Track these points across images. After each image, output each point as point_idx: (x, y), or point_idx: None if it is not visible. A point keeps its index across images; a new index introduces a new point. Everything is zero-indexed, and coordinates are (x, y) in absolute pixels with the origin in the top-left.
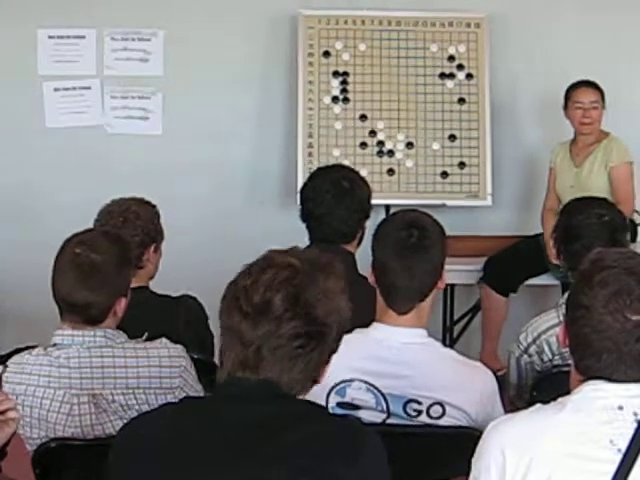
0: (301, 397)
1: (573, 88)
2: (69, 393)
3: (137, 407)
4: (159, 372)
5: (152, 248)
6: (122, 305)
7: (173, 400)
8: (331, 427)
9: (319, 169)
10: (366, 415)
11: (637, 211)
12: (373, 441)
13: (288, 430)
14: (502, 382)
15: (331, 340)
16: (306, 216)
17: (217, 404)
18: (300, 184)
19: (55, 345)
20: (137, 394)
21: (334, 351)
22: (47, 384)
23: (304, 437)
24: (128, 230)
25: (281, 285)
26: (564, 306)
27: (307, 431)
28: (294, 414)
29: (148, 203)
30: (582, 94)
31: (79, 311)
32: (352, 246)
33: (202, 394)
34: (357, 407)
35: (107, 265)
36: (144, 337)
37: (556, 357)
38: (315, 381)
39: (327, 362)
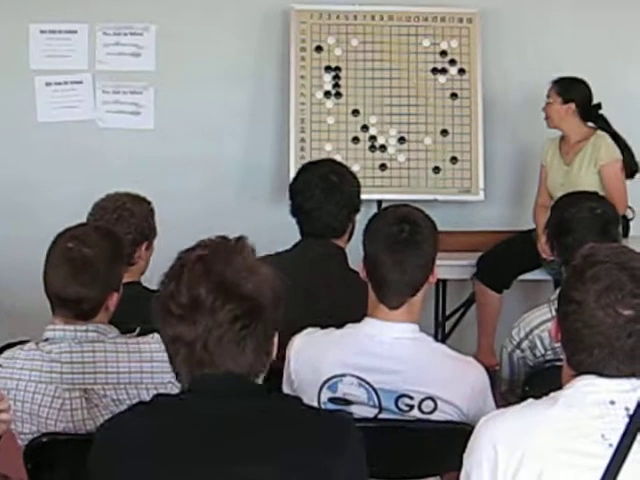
0: (263, 375)
1: None
2: (60, 388)
3: (129, 402)
4: (151, 367)
5: (144, 246)
6: (114, 300)
7: None
8: (310, 420)
9: (308, 163)
10: (358, 410)
11: (630, 207)
12: (355, 432)
13: (266, 426)
14: (495, 377)
15: (270, 311)
16: (296, 211)
17: (192, 401)
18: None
19: (47, 340)
20: (129, 389)
21: (278, 322)
22: (39, 379)
23: (283, 432)
24: (121, 228)
25: (201, 278)
26: (556, 301)
27: (285, 426)
28: (269, 409)
29: (143, 199)
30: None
31: (71, 306)
32: (342, 241)
33: None
34: (349, 402)
35: (99, 260)
36: (136, 332)
37: (548, 352)
38: (269, 355)
39: (274, 334)
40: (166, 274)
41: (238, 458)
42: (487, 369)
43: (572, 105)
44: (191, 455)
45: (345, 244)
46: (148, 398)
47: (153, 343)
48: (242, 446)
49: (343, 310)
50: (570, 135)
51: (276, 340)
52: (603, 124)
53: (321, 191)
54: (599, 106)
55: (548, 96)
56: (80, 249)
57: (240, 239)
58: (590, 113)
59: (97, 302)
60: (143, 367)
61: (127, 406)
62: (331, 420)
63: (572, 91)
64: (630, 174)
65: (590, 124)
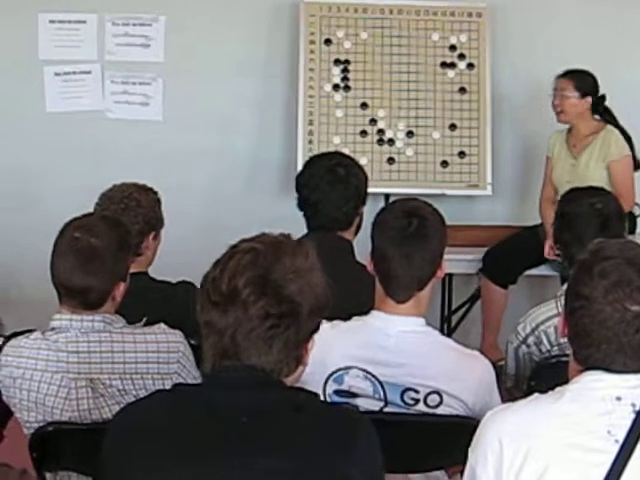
0: (289, 379)
1: (555, 77)
2: (67, 377)
3: (134, 392)
4: (157, 357)
5: (151, 236)
6: (121, 290)
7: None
8: (325, 416)
9: (315, 156)
10: (363, 403)
11: (637, 203)
12: (366, 428)
13: (283, 419)
14: (500, 372)
15: (305, 317)
16: (302, 204)
17: (209, 392)
18: None
19: (53, 329)
20: (134, 379)
21: (314, 330)
22: (45, 368)
23: (299, 427)
24: (128, 217)
25: (245, 269)
26: (563, 297)
27: (302, 421)
28: (286, 403)
29: (150, 189)
30: (555, 82)
31: (77, 295)
32: (349, 233)
33: (199, 380)
34: (354, 395)
35: (106, 250)
36: (143, 322)
37: (554, 348)
38: (299, 362)
39: (307, 341)
40: (217, 259)
41: (252, 450)
42: (492, 363)
43: (589, 99)
44: (206, 445)
45: (352, 237)
46: (154, 388)
47: (159, 333)
48: (257, 438)
49: (350, 303)
50: (580, 129)
51: (310, 348)
52: (608, 116)
53: (327, 183)
54: (604, 98)
55: (558, 89)
56: (87, 239)
57: (299, 239)
58: (598, 105)
59: (104, 292)
60: (149, 357)
61: (133, 396)
62: (345, 416)
63: (588, 84)
64: (636, 166)
65: (596, 117)
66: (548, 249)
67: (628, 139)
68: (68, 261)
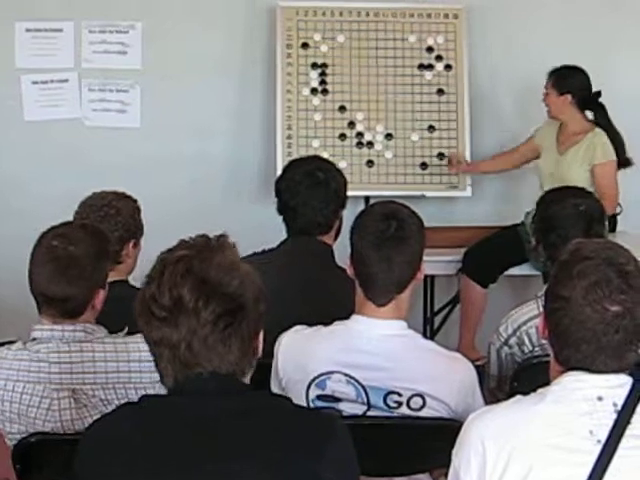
0: (250, 374)
1: None
2: (49, 388)
3: (117, 402)
4: (139, 367)
5: (132, 243)
6: (100, 298)
7: None
8: (297, 419)
9: (293, 160)
10: (347, 407)
11: (618, 202)
12: (339, 430)
13: (254, 424)
14: (481, 373)
15: (252, 307)
16: (282, 208)
17: (176, 402)
18: None
19: (34, 339)
20: (117, 389)
21: (261, 318)
22: (27, 379)
23: (271, 430)
24: (108, 225)
25: (183, 278)
26: (544, 297)
27: (273, 424)
28: (256, 407)
29: (129, 197)
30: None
31: (57, 304)
32: (329, 237)
33: None
34: (337, 399)
35: (84, 258)
36: (124, 331)
37: (536, 348)
38: (256, 354)
39: (259, 331)
40: (148, 275)
41: (224, 456)
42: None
43: (568, 97)
44: (176, 455)
45: (332, 241)
46: (137, 398)
47: (141, 342)
48: (228, 444)
49: (331, 307)
50: (569, 126)
51: (262, 337)
52: (601, 113)
53: (306, 187)
54: (598, 94)
55: (546, 87)
56: (65, 247)
57: (221, 237)
58: (589, 102)
59: (84, 300)
60: (131, 367)
61: (116, 406)
62: (315, 418)
63: (568, 82)
64: (622, 164)
65: (589, 114)
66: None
67: (619, 137)
68: (47, 270)
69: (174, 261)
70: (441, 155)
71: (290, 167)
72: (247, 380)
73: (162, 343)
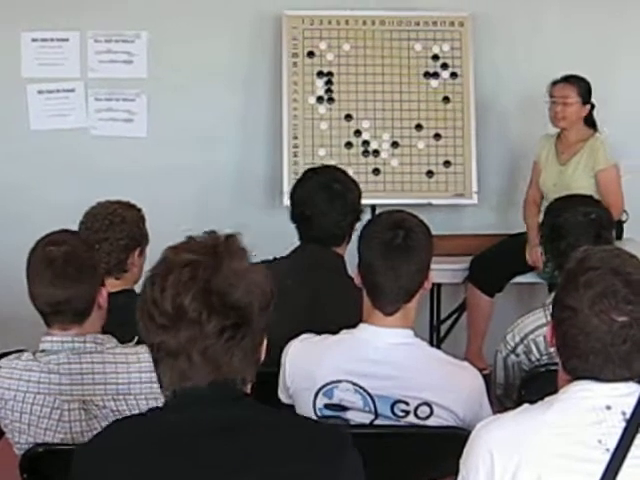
0: (250, 384)
1: (552, 83)
2: (59, 399)
3: (128, 413)
4: (150, 377)
5: (137, 252)
6: (104, 295)
7: None
8: (300, 430)
9: (309, 170)
10: (354, 416)
11: (624, 210)
12: (345, 443)
13: (255, 436)
14: (488, 381)
15: (257, 317)
16: (297, 217)
17: (174, 414)
18: (286, 185)
19: (44, 351)
20: (128, 400)
21: (265, 327)
22: (37, 390)
23: (273, 443)
24: (113, 234)
25: (187, 286)
26: (551, 306)
27: (275, 437)
28: (257, 419)
29: (133, 206)
30: (555, 88)
31: (63, 308)
32: (342, 248)
33: None
34: (345, 408)
35: (81, 253)
36: (134, 341)
37: (544, 357)
38: (257, 363)
39: (262, 341)
40: (152, 273)
41: (224, 470)
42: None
43: (588, 107)
44: (172, 468)
45: (344, 251)
46: (147, 409)
47: None
48: (228, 458)
49: (340, 317)
50: (570, 136)
51: (264, 346)
52: (592, 124)
53: (324, 200)
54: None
55: (558, 95)
56: (58, 249)
57: (230, 237)
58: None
59: (88, 298)
60: (142, 377)
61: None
62: (319, 430)
63: (589, 92)
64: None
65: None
66: (534, 256)
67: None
68: (46, 275)
69: (181, 264)
70: (447, 163)
71: (306, 178)
72: (248, 389)
73: (161, 348)
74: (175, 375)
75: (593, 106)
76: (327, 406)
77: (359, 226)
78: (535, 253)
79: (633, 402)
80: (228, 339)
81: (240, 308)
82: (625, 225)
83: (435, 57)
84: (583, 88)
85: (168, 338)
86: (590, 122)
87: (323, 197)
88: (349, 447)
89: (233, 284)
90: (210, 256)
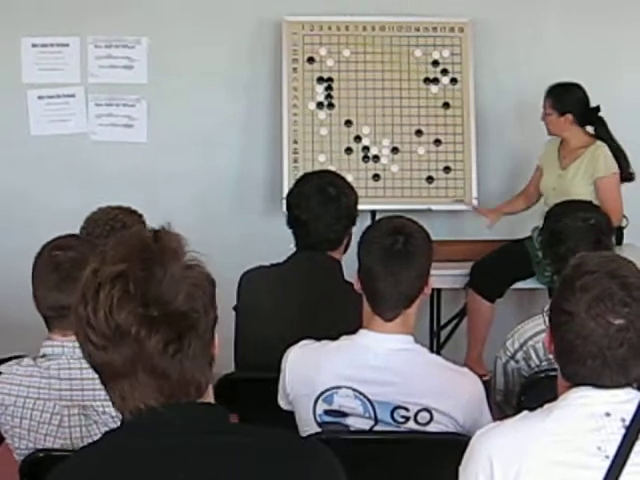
0: (208, 387)
1: None
2: (59, 405)
3: None
4: None
5: None
6: None
7: None
8: (271, 441)
9: (305, 175)
10: (354, 422)
11: (624, 215)
12: (321, 453)
13: (221, 460)
14: (488, 387)
15: (203, 320)
16: (292, 222)
17: (135, 445)
18: (286, 190)
19: (44, 356)
20: None
21: (215, 323)
22: (37, 395)
23: (242, 465)
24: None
25: (120, 303)
26: (549, 312)
27: (244, 456)
28: (224, 442)
29: (134, 212)
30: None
31: (68, 313)
32: (338, 253)
33: None
34: (345, 414)
35: (84, 259)
36: None
37: (543, 363)
38: (212, 363)
39: (213, 338)
40: (82, 294)
41: None
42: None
43: (569, 116)
44: None
45: (341, 256)
46: None
47: None
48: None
49: (339, 322)
50: (571, 142)
51: (217, 341)
52: (601, 128)
53: (318, 203)
54: (598, 109)
55: (544, 107)
56: (65, 253)
57: (158, 234)
58: (588, 117)
59: None
60: None
61: None
62: (294, 441)
63: (567, 102)
64: (625, 179)
65: (589, 128)
66: (482, 211)
67: (620, 151)
68: (51, 279)
69: (110, 278)
70: (447, 168)
71: (302, 181)
72: (209, 394)
73: (105, 370)
74: (126, 396)
75: (594, 110)
76: (327, 412)
77: (358, 232)
78: (483, 210)
79: (632, 409)
80: (175, 352)
81: (183, 316)
82: (625, 231)
83: (435, 63)
84: (558, 100)
85: (110, 359)
86: (590, 123)
87: (317, 200)
88: (318, 459)
89: (171, 290)
90: (141, 263)
